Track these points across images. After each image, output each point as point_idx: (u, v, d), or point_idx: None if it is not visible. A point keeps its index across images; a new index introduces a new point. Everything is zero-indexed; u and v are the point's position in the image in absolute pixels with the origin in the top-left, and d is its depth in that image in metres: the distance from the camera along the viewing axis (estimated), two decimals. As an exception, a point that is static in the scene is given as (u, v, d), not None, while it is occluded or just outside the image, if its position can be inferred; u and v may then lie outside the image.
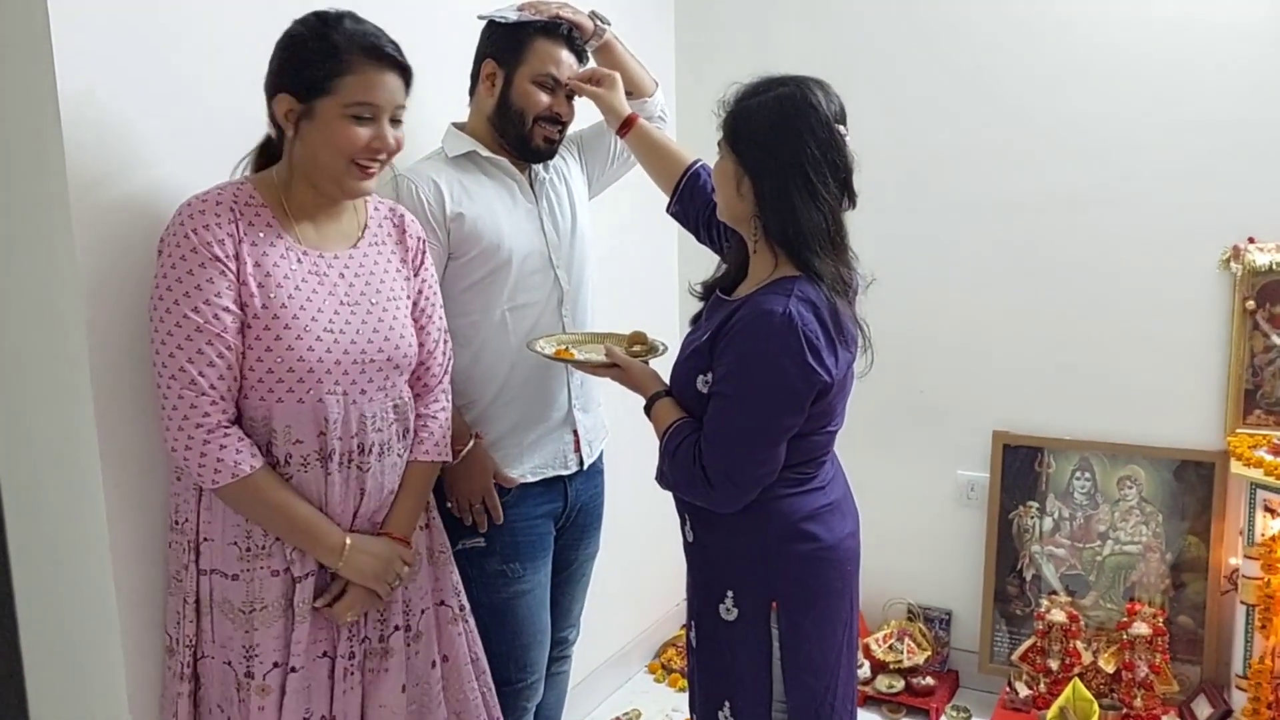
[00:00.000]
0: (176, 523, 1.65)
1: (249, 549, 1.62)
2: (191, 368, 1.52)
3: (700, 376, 1.69)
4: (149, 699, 1.71)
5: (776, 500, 1.70)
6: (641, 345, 2.00)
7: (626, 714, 3.04)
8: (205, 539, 1.62)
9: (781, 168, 1.61)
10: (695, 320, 1.86)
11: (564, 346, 1.97)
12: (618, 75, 2.09)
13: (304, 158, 1.61)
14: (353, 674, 1.72)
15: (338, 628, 1.70)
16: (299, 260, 1.62)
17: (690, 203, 2.04)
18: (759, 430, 1.63)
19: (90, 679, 1.71)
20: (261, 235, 1.59)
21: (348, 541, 1.68)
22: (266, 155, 1.69)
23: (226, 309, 1.54)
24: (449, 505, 1.99)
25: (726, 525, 1.72)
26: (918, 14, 3.02)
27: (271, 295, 1.58)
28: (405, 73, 1.62)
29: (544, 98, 1.99)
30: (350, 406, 1.66)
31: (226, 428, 1.56)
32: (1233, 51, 2.67)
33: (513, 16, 1.98)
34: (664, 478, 1.75)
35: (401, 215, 1.82)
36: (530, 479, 2.06)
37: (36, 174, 1.55)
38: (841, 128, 1.65)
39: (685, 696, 3.10)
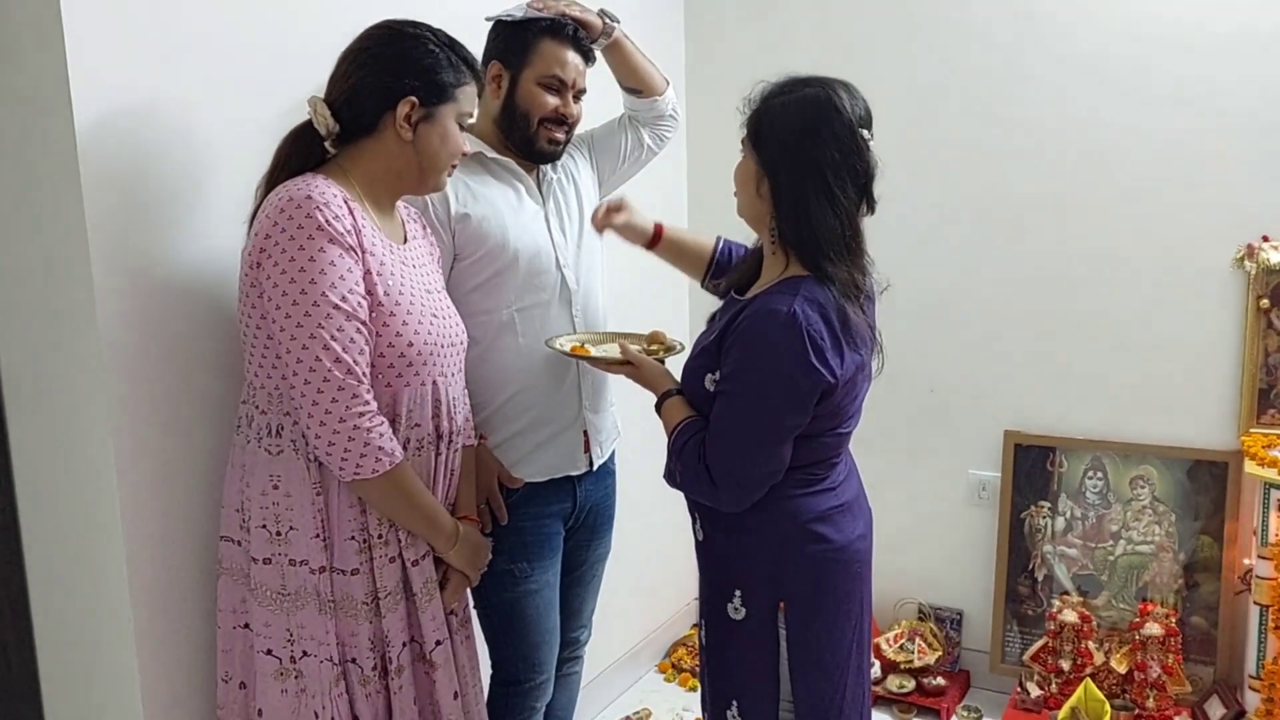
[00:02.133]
0: (279, 533, 1.60)
1: (366, 540, 1.64)
2: (347, 355, 1.52)
3: (708, 375, 1.69)
4: (157, 703, 1.71)
5: (786, 500, 1.70)
6: (659, 345, 2.01)
7: (637, 713, 3.04)
8: (327, 538, 1.62)
9: (800, 170, 1.61)
10: (711, 319, 1.86)
11: (581, 344, 1.98)
12: (625, 199, 2.11)
13: (410, 156, 1.65)
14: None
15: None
16: (391, 250, 1.66)
17: (722, 274, 2.06)
18: (762, 429, 1.63)
19: (105, 682, 1.71)
20: (365, 225, 1.60)
21: (460, 529, 1.76)
22: (297, 155, 1.65)
23: (365, 295, 1.57)
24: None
25: (736, 525, 1.72)
26: (929, 14, 3.01)
27: (389, 282, 1.61)
28: (482, 86, 1.76)
29: (550, 99, 1.99)
30: (449, 389, 1.73)
31: (379, 415, 1.58)
32: (1245, 51, 2.65)
33: (519, 14, 1.98)
34: (672, 476, 1.75)
35: (418, 214, 1.88)
36: (539, 479, 2.05)
37: (50, 178, 1.56)
38: (865, 132, 1.64)
39: (696, 696, 3.11)
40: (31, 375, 1.65)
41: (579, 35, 2.01)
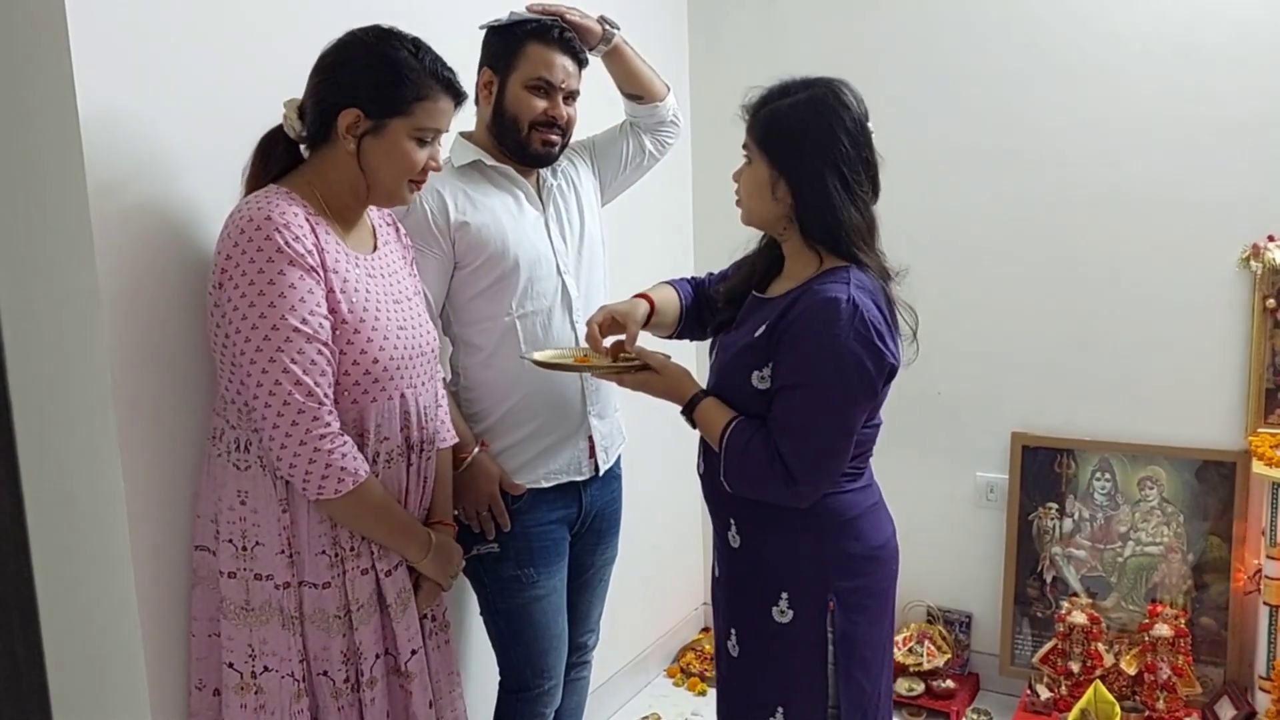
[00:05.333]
0: (244, 548, 1.60)
1: (337, 554, 1.64)
2: (308, 378, 1.52)
3: (755, 372, 1.67)
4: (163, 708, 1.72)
5: (830, 497, 1.69)
6: (626, 356, 1.86)
7: (645, 718, 3.04)
8: (294, 553, 1.62)
9: (819, 167, 1.62)
10: (726, 324, 1.84)
11: (584, 354, 1.92)
12: (633, 313, 1.89)
13: (358, 170, 1.63)
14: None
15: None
16: (356, 263, 1.65)
17: (694, 319, 2.01)
18: (837, 418, 1.62)
19: (112, 688, 1.72)
20: (328, 241, 1.60)
21: (433, 538, 1.76)
22: (268, 162, 1.65)
23: (327, 315, 1.56)
24: (455, 513, 2.00)
25: (783, 525, 1.70)
26: (932, 14, 3.01)
27: (353, 299, 1.61)
28: (461, 101, 1.69)
29: (538, 103, 1.98)
30: (418, 399, 1.72)
31: (342, 435, 1.57)
32: (1251, 50, 2.65)
33: (505, 19, 1.98)
34: (733, 479, 1.70)
35: (393, 217, 1.86)
36: (544, 484, 2.06)
37: (57, 183, 1.57)
38: (869, 124, 1.67)
39: (704, 700, 3.11)
40: (35, 374, 1.66)
41: (566, 36, 2.00)
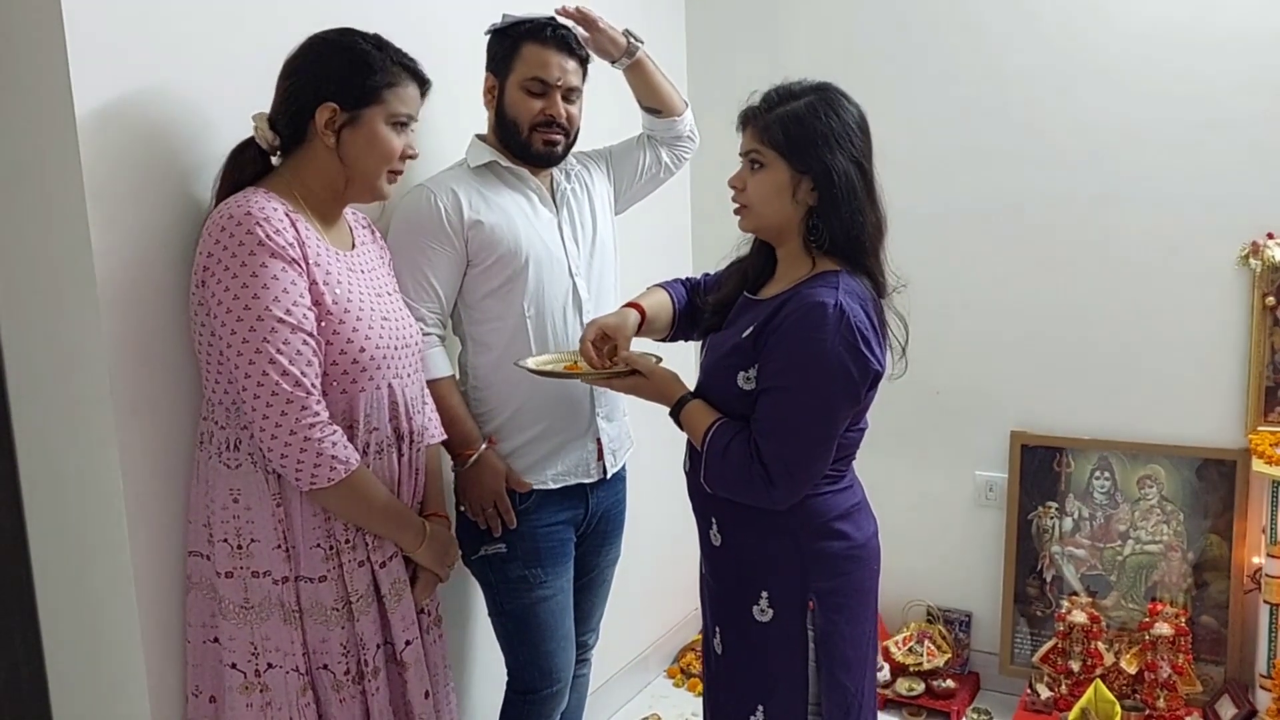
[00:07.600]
0: (240, 546, 1.61)
1: (332, 547, 1.64)
2: (294, 368, 1.53)
3: (741, 373, 1.68)
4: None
5: (811, 498, 1.69)
6: (614, 362, 1.84)
7: (645, 719, 3.03)
8: (290, 548, 1.62)
9: (843, 165, 1.64)
10: (718, 325, 1.84)
11: (559, 364, 1.90)
12: (623, 325, 1.85)
13: (338, 164, 1.64)
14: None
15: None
16: (337, 258, 1.66)
17: (688, 320, 2.00)
18: (818, 422, 1.62)
19: (112, 686, 1.71)
20: (309, 236, 1.61)
21: (427, 527, 1.77)
22: (238, 174, 1.66)
23: (311, 307, 1.57)
24: (461, 509, 1.99)
25: (761, 525, 1.70)
26: (931, 14, 3.01)
27: (336, 291, 1.62)
28: (426, 89, 1.73)
29: (535, 103, 1.98)
30: (405, 390, 1.73)
31: (331, 424, 1.58)
32: (1249, 48, 2.65)
33: (501, 21, 1.98)
34: (713, 480, 1.71)
35: (366, 218, 1.88)
36: (551, 485, 2.06)
37: (54, 184, 1.56)
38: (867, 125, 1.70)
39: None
40: (34, 376, 1.65)
41: (560, 34, 1.99)
